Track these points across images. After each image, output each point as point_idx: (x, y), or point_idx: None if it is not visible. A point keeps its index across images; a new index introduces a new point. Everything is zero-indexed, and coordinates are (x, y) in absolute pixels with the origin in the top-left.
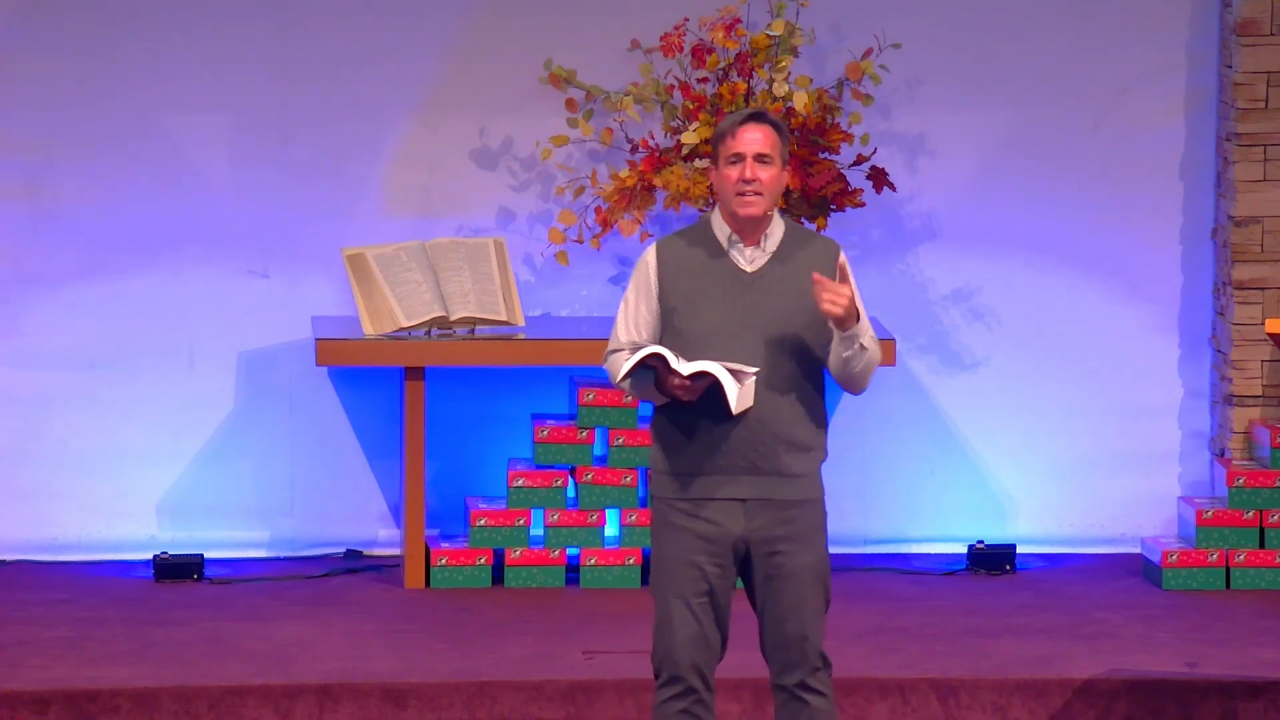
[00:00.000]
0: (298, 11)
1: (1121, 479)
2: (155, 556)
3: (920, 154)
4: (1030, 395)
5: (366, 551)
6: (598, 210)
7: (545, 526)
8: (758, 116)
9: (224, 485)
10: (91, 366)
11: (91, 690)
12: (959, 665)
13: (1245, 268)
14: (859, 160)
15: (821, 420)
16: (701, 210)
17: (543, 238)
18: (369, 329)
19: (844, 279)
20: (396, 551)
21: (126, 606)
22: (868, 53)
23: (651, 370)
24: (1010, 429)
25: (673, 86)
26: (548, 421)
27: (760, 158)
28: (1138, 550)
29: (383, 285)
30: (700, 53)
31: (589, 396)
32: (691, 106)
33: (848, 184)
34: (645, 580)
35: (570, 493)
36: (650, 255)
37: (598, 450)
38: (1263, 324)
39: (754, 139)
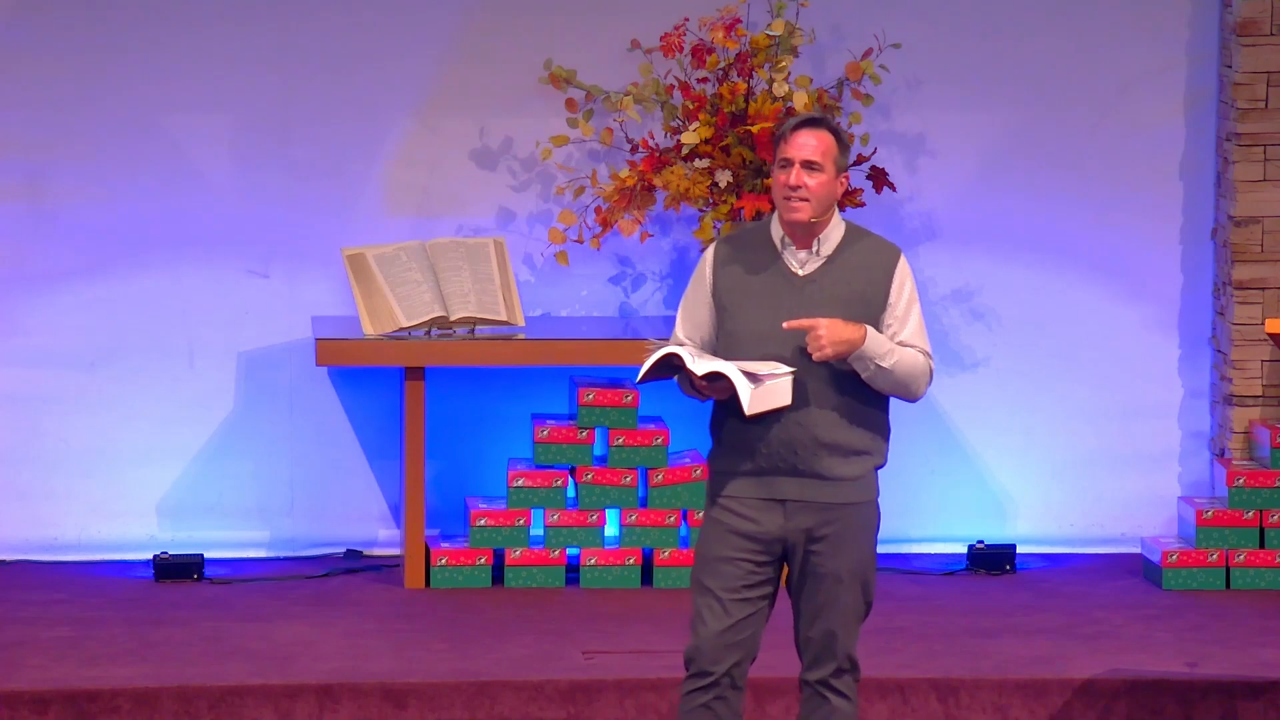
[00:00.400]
0: (298, 11)
1: (1121, 479)
2: (155, 556)
3: (920, 154)
4: (1030, 395)
5: (366, 551)
6: (598, 210)
7: (545, 526)
8: (811, 122)
9: (224, 485)
10: (91, 366)
11: (91, 690)
12: (959, 665)
13: (1245, 268)
14: (859, 160)
15: (875, 424)
16: (701, 210)
17: (543, 238)
18: (369, 329)
19: (808, 327)
20: (396, 551)
21: (126, 606)
22: (868, 53)
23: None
24: (1010, 429)
25: (673, 86)
26: (548, 421)
27: (808, 164)
28: (1138, 550)
29: (383, 285)
30: (700, 53)
31: (589, 396)
32: (691, 106)
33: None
34: (645, 580)
35: (570, 493)
36: (709, 253)
37: (598, 450)
38: (1263, 324)
39: (803, 145)
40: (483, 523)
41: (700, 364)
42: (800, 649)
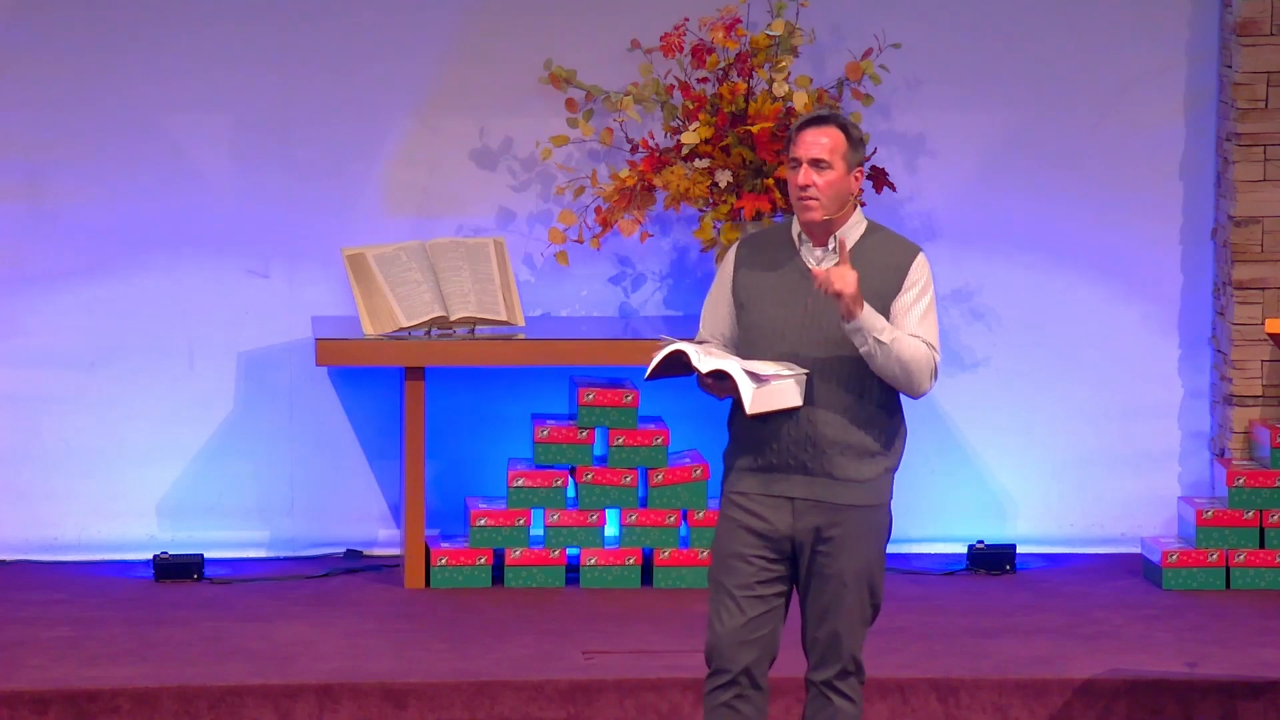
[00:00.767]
0: (298, 11)
1: (1121, 479)
2: (155, 556)
3: (920, 154)
4: (1030, 395)
5: (366, 551)
6: (598, 210)
7: (545, 526)
8: (819, 120)
9: (224, 485)
10: (91, 366)
11: (91, 690)
12: (959, 665)
13: (1245, 268)
14: None
15: (887, 427)
16: (701, 210)
17: (543, 238)
18: (369, 329)
19: (844, 259)
20: (396, 551)
21: (126, 606)
22: (868, 53)
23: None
24: (1010, 429)
25: (673, 86)
26: (548, 421)
27: (816, 163)
28: (1138, 550)
29: (383, 285)
30: (700, 53)
31: (589, 396)
32: (691, 106)
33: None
34: (645, 580)
35: (570, 493)
36: (731, 252)
37: (598, 450)
38: (1263, 324)
39: (811, 144)
40: (483, 523)
41: (705, 361)
42: (806, 649)
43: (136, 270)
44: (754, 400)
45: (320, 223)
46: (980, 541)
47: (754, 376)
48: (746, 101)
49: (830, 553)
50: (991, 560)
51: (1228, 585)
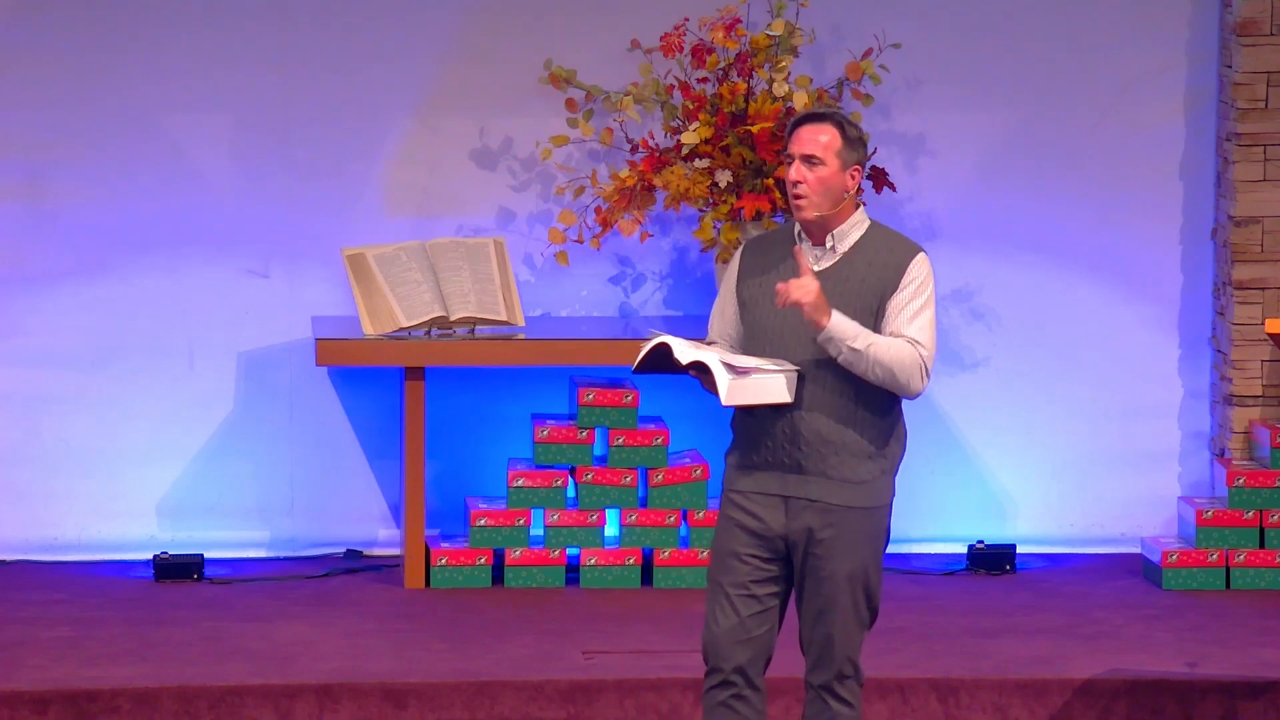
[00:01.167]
0: (298, 11)
1: (1121, 479)
2: (155, 556)
3: (920, 154)
4: (1030, 395)
5: (366, 551)
6: (598, 210)
7: (545, 526)
8: (811, 117)
9: (224, 485)
10: (91, 366)
11: (91, 690)
12: (959, 665)
13: (1245, 268)
14: None
15: (884, 428)
16: (701, 210)
17: (543, 238)
18: (369, 329)
19: (803, 269)
20: (396, 551)
21: (126, 606)
22: (868, 53)
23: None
24: (1010, 429)
25: (673, 86)
26: (548, 421)
27: (808, 159)
28: (1138, 550)
29: (383, 285)
30: (700, 53)
31: (589, 396)
32: (691, 106)
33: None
34: (645, 580)
35: (570, 493)
36: (738, 252)
37: (598, 450)
38: (1263, 324)
39: (805, 139)
40: (483, 523)
41: (686, 353)
42: (804, 650)
43: (136, 270)
44: (730, 392)
45: (320, 223)
46: (980, 541)
47: (731, 368)
48: (746, 101)
49: (823, 554)
50: (991, 560)
51: (1228, 585)
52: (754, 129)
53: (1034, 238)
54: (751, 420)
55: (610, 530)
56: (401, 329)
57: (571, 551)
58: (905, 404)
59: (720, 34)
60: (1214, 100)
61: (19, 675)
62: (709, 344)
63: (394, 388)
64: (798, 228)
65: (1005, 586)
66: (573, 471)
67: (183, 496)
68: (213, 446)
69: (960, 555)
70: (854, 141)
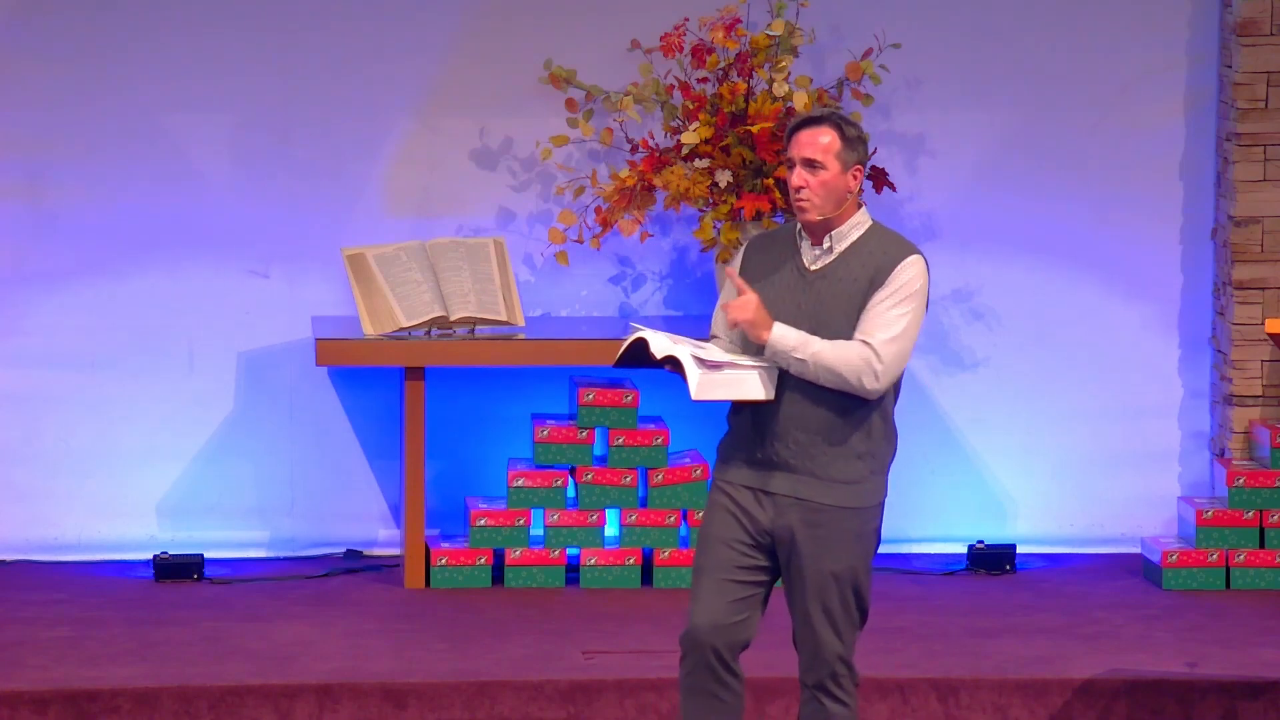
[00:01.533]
0: (298, 11)
1: (1121, 479)
2: (155, 556)
3: (920, 154)
4: (1030, 395)
5: (366, 551)
6: (598, 210)
7: (545, 526)
8: (810, 120)
9: (224, 485)
10: (91, 366)
11: (91, 690)
12: (959, 665)
13: (1245, 268)
14: None
15: (872, 427)
16: (701, 210)
17: (543, 238)
18: (369, 329)
19: (740, 287)
20: (396, 551)
21: (126, 606)
22: (868, 53)
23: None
24: (1010, 429)
25: (673, 86)
26: (548, 421)
27: (809, 163)
28: (1138, 550)
29: (383, 285)
30: (700, 53)
31: (589, 396)
32: (691, 106)
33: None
34: (645, 580)
35: (570, 493)
36: (741, 251)
37: (598, 450)
38: (1263, 324)
39: (804, 144)
40: (483, 523)
41: (660, 347)
42: (796, 648)
43: (136, 270)
44: (699, 386)
45: (320, 223)
46: (980, 541)
47: (702, 362)
48: (746, 101)
49: (810, 553)
50: (991, 560)
51: (1228, 585)
52: (754, 129)
53: (1034, 238)
54: (744, 415)
55: (610, 530)
56: (401, 329)
57: (571, 551)
58: (905, 404)
59: (720, 34)
60: (1214, 100)
61: (19, 675)
62: (711, 339)
63: (394, 388)
64: (798, 226)
65: (1005, 586)
66: (573, 471)
67: (183, 496)
68: (213, 447)
69: (960, 555)
70: (854, 141)
